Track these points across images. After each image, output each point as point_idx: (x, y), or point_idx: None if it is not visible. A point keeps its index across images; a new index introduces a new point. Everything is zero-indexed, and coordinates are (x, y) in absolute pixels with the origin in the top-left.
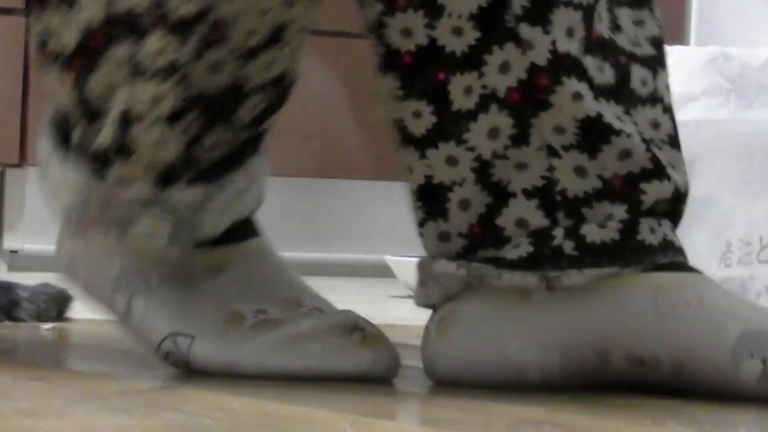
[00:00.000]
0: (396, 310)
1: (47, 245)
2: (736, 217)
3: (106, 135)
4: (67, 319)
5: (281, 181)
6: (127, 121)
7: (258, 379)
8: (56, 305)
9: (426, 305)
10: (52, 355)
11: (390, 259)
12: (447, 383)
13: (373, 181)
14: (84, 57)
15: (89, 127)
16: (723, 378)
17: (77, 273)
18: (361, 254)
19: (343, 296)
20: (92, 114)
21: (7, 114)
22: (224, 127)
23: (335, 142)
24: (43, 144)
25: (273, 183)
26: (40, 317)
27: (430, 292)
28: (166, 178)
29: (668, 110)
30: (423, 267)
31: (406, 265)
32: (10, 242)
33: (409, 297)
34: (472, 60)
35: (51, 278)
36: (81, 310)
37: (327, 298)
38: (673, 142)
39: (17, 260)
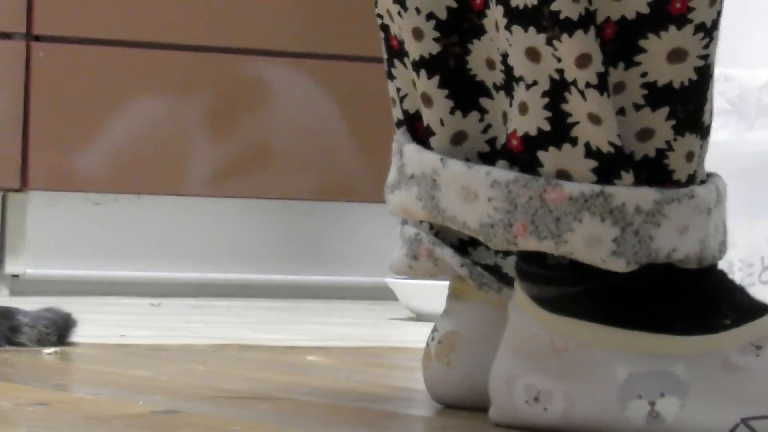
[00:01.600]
0: (397, 333)
1: (49, 269)
2: (738, 238)
3: (532, 117)
4: (69, 344)
5: (281, 204)
6: (555, 90)
7: (260, 402)
8: (57, 330)
9: (403, 274)
10: (53, 379)
11: (392, 282)
12: (448, 405)
13: (374, 203)
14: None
15: (478, 113)
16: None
17: (549, 398)
18: (361, 277)
19: (345, 319)
20: (473, 94)
21: (8, 138)
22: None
23: (335, 164)
24: (422, 156)
25: (273, 206)
26: (41, 342)
27: (418, 267)
28: (606, 170)
29: None
30: (420, 243)
31: (407, 288)
32: (12, 267)
33: (411, 319)
34: None
35: (53, 302)
36: (83, 334)
37: (328, 321)
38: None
39: (19, 285)
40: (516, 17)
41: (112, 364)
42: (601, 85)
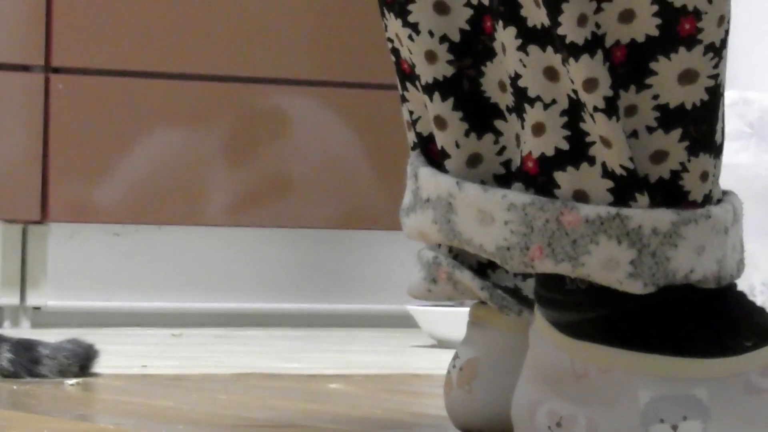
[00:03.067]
0: (419, 360)
1: (70, 301)
2: (759, 261)
3: (549, 137)
4: (91, 374)
5: (301, 232)
6: (574, 110)
7: (283, 430)
8: (79, 361)
9: (422, 298)
10: (75, 410)
11: (413, 309)
12: None
13: (394, 231)
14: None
15: (498, 136)
16: None
17: (572, 423)
18: (383, 304)
19: (366, 347)
20: (487, 116)
21: (28, 171)
22: (700, 145)
23: (354, 192)
24: (438, 179)
25: (293, 235)
26: (63, 373)
27: (437, 290)
28: (621, 193)
29: None
30: (439, 266)
31: (429, 315)
32: (33, 299)
33: (433, 346)
34: None
35: (75, 334)
36: (105, 364)
37: (349, 349)
38: None
39: (40, 317)
40: (532, 37)
41: (135, 395)
42: (609, 109)
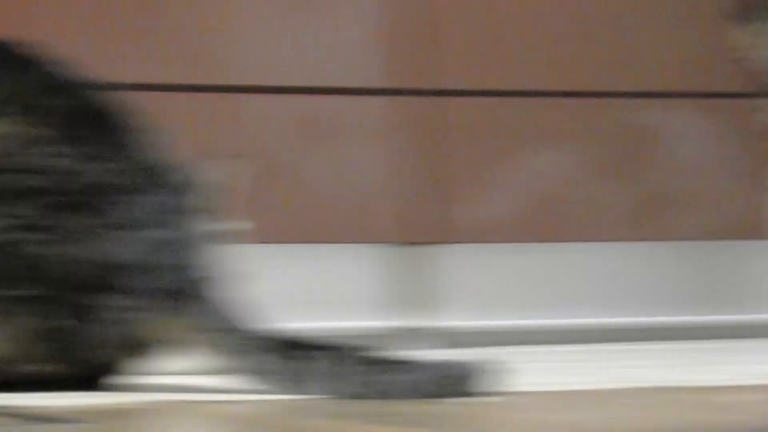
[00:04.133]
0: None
1: (477, 321)
2: None
3: None
4: (475, 394)
5: (699, 245)
6: None
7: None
8: (454, 380)
9: None
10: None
11: None
12: None
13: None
14: None
15: None
16: None
17: None
18: None
19: None
20: None
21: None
22: None
23: (732, 203)
24: None
25: (690, 247)
26: (441, 393)
27: None
28: None
29: None
30: None
31: None
32: (441, 319)
33: None
34: None
35: (485, 353)
36: (523, 382)
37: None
38: None
39: (451, 337)
40: None
41: (550, 411)
42: None
